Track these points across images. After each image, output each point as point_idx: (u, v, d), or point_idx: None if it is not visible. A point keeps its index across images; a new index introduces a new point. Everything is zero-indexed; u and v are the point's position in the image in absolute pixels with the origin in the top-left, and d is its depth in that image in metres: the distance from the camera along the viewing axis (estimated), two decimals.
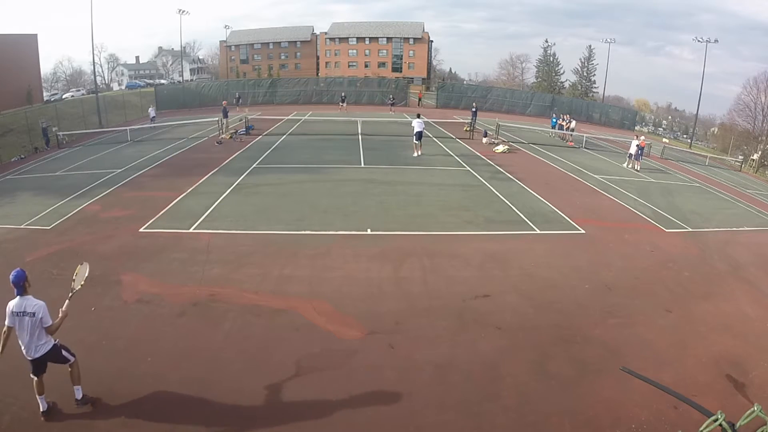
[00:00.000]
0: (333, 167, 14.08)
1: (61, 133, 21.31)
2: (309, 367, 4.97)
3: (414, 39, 66.55)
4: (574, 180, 14.49)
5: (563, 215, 10.55)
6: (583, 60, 62.29)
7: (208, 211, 9.91)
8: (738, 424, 2.12)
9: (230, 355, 5.14)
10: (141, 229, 8.90)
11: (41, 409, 4.30)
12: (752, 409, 2.07)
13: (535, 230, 9.50)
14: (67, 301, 4.36)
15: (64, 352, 4.38)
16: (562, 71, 64.13)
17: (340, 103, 31.54)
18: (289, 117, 25.68)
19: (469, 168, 14.76)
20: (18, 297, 4.13)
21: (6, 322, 4.13)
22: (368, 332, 5.64)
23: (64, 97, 44.62)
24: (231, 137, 19.13)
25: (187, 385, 4.64)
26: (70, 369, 4.43)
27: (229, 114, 21.44)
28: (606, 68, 65.11)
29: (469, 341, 5.56)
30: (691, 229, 10.56)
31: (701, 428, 2.15)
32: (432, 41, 71.45)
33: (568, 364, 5.19)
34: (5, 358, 5.03)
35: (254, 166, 14.13)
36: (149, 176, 13.32)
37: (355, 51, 68.32)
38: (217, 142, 18.34)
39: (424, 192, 11.83)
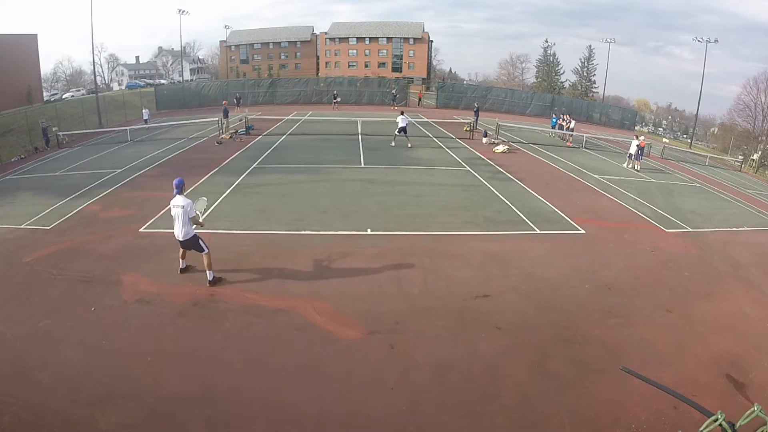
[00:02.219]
0: (333, 167, 14.08)
1: (61, 133, 21.31)
2: (309, 367, 4.97)
3: (414, 39, 66.55)
4: (574, 180, 14.49)
5: (563, 215, 10.55)
6: (583, 60, 62.36)
7: (208, 211, 9.89)
8: (738, 424, 2.12)
9: (230, 355, 5.13)
10: (141, 229, 8.90)
11: (180, 267, 6.96)
12: (752, 409, 2.06)
13: (535, 230, 9.50)
14: (201, 219, 6.75)
15: (200, 242, 6.56)
16: (562, 71, 64.20)
17: (333, 102, 31.76)
18: (289, 117, 25.67)
19: (469, 168, 14.77)
20: (176, 195, 6.41)
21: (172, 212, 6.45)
22: (368, 332, 5.64)
23: (64, 97, 44.65)
24: (231, 137, 19.13)
25: (187, 385, 4.64)
26: (204, 258, 6.56)
27: (229, 114, 21.45)
28: (606, 68, 65.13)
29: (469, 341, 5.55)
30: (691, 229, 10.56)
31: (701, 428, 2.15)
32: (432, 41, 71.54)
33: (568, 364, 5.19)
34: (4, 358, 5.06)
35: (254, 166, 14.13)
36: (149, 176, 13.32)
37: (355, 51, 68.32)
38: (217, 142, 18.34)
39: (424, 192, 11.83)
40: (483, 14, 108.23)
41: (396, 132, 17.50)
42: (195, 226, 6.56)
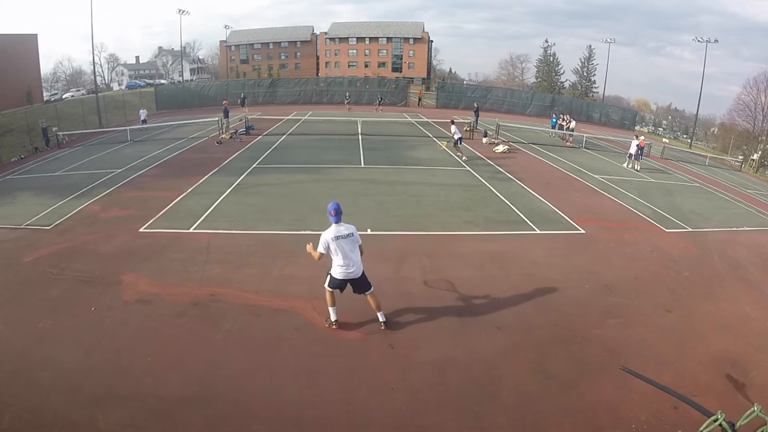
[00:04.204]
0: (333, 167, 14.08)
1: (61, 133, 21.31)
2: (309, 367, 4.97)
3: (414, 39, 66.58)
4: (574, 180, 14.49)
5: (563, 215, 10.55)
6: (583, 60, 62.50)
7: (208, 211, 9.91)
8: (738, 424, 2.12)
9: (230, 355, 5.13)
10: (141, 229, 8.89)
11: (333, 318, 5.51)
12: (752, 409, 2.06)
13: (535, 230, 9.50)
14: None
15: (366, 276, 5.30)
16: (562, 71, 64.34)
17: (346, 103, 31.66)
18: (289, 117, 25.67)
19: (469, 168, 14.76)
20: (334, 225, 5.14)
21: (320, 250, 5.11)
22: (368, 332, 5.63)
23: (64, 97, 44.73)
24: (231, 137, 19.14)
25: (187, 385, 4.64)
26: (372, 297, 5.42)
27: (230, 114, 21.44)
28: (606, 68, 65.21)
29: (469, 341, 5.55)
30: (691, 229, 10.56)
31: (701, 428, 2.14)
32: (432, 41, 71.55)
33: (568, 364, 5.18)
34: (4, 358, 5.06)
35: (254, 166, 14.13)
36: (149, 176, 13.33)
37: (355, 51, 68.34)
38: (217, 142, 18.35)
39: (424, 192, 11.82)
40: (484, 14, 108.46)
41: (454, 145, 16.33)
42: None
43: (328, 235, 5.13)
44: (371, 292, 5.45)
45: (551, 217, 10.46)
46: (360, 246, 5.30)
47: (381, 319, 5.56)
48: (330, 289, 5.40)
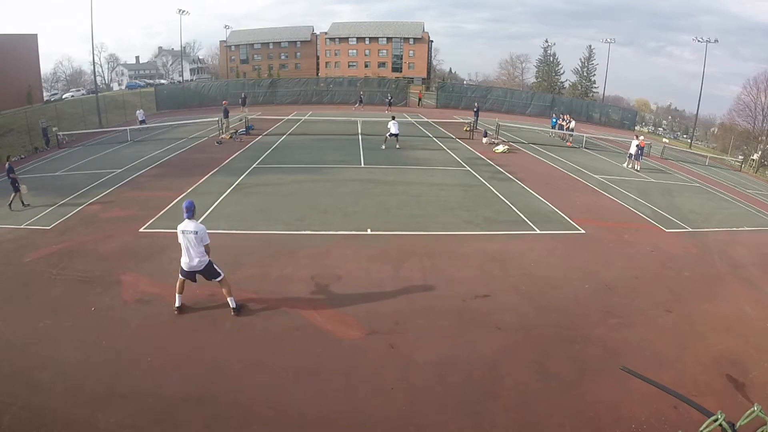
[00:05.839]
0: (333, 167, 14.08)
1: (61, 133, 21.29)
2: (309, 367, 4.97)
3: (414, 39, 66.54)
4: (574, 180, 14.49)
5: (563, 215, 10.55)
6: (583, 60, 62.39)
7: (208, 211, 9.91)
8: (738, 424, 2.12)
9: (230, 355, 5.13)
10: (141, 229, 8.90)
11: (176, 305, 5.93)
12: (752, 409, 2.06)
13: (535, 230, 9.50)
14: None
15: (215, 267, 5.82)
16: (562, 71, 64.24)
17: (358, 104, 31.68)
18: (289, 117, 25.68)
19: (469, 168, 14.77)
20: (186, 220, 5.63)
21: (179, 239, 5.69)
22: (368, 332, 5.64)
23: (64, 97, 44.67)
24: (231, 137, 19.14)
25: (187, 385, 4.64)
26: (223, 284, 5.88)
27: (230, 114, 21.43)
28: (606, 68, 65.13)
29: (469, 341, 5.55)
30: (691, 229, 10.56)
31: (701, 428, 2.14)
32: (432, 41, 71.53)
33: (568, 364, 5.19)
34: (4, 358, 5.06)
35: (254, 166, 14.13)
36: (149, 176, 13.32)
37: (355, 51, 68.31)
38: (217, 142, 18.34)
39: (424, 192, 11.82)
40: (484, 14, 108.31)
41: (387, 135, 17.41)
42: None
43: (179, 228, 5.73)
44: (220, 280, 5.86)
45: (551, 217, 10.46)
46: (206, 245, 5.72)
47: (231, 305, 5.92)
48: (181, 277, 5.87)
